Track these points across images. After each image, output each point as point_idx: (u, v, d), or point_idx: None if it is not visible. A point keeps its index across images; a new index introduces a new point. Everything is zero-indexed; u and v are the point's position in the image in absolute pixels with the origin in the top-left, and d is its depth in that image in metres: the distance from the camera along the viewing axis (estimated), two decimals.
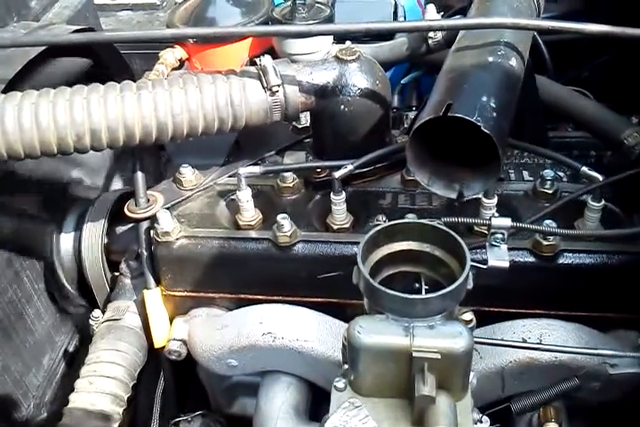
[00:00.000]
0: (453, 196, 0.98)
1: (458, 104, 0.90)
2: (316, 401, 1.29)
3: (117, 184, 1.76)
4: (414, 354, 0.75)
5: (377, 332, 0.77)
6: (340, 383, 0.84)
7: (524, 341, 1.13)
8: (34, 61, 1.34)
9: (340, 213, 1.22)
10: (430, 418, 0.75)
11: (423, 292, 0.85)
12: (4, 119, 1.07)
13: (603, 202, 1.14)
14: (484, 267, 0.91)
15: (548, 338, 1.12)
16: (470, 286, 0.81)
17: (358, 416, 0.80)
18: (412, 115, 1.47)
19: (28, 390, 1.53)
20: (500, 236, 0.94)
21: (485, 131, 0.87)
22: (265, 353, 1.19)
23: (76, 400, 1.22)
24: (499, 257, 0.93)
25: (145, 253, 1.28)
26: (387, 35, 1.51)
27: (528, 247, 1.13)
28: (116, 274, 1.47)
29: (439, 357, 0.75)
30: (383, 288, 0.77)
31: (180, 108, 1.12)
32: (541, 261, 1.14)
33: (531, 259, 1.14)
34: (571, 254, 1.14)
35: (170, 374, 1.39)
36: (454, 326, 0.78)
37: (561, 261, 1.14)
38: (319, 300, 1.24)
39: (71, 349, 1.67)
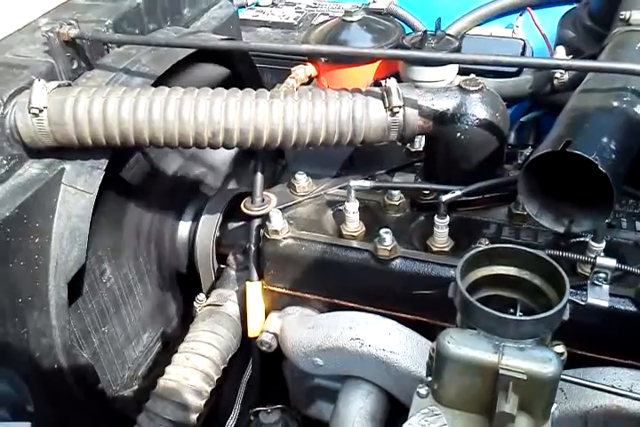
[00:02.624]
0: (561, 230, 0.98)
1: (577, 142, 0.91)
2: (393, 414, 1.30)
3: (232, 185, 1.85)
4: (501, 371, 0.77)
5: (467, 345, 0.79)
6: (423, 390, 0.86)
7: (614, 387, 1.10)
8: (182, 64, 1.46)
9: (441, 236, 1.24)
10: None
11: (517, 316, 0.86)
12: (152, 110, 1.17)
13: None
14: (583, 303, 0.91)
15: (638, 389, 1.07)
16: (566, 317, 0.81)
17: (436, 423, 0.83)
18: (527, 152, 1.47)
19: (126, 362, 1.62)
20: (602, 275, 0.94)
21: (602, 169, 0.88)
22: (350, 357, 1.22)
23: (172, 372, 1.30)
24: (599, 296, 0.93)
25: (253, 248, 1.35)
26: (511, 73, 1.53)
27: (631, 296, 1.10)
28: (222, 266, 1.56)
29: (525, 377, 0.76)
30: (479, 304, 0.79)
31: (306, 119, 1.19)
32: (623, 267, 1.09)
33: (632, 308, 1.10)
34: None
35: (258, 364, 1.45)
36: (545, 352, 0.79)
37: None
38: (409, 316, 1.26)
39: (169, 331, 1.76)
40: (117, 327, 1.58)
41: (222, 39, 1.61)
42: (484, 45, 1.74)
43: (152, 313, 1.72)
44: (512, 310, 0.89)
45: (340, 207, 1.33)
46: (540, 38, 1.93)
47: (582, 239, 1.13)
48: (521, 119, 1.71)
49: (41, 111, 1.17)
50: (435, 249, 1.24)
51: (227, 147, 1.23)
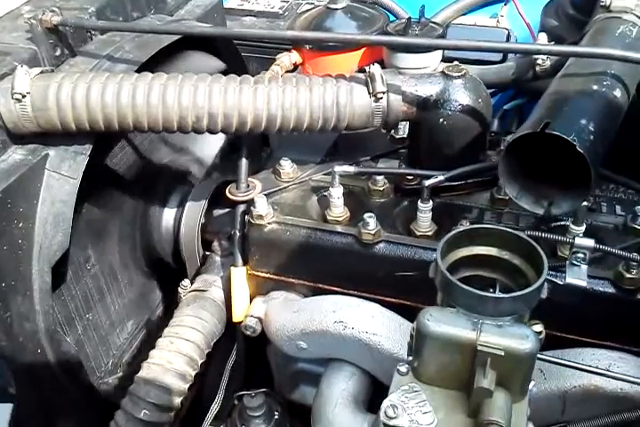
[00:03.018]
0: (540, 211, 1.00)
1: (556, 123, 0.92)
2: (376, 396, 1.31)
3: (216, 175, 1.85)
4: (479, 348, 0.78)
5: (446, 322, 0.81)
6: (403, 368, 0.88)
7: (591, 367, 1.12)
8: (169, 55, 1.45)
9: (424, 221, 1.25)
10: (485, 411, 0.78)
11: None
12: (136, 94, 1.18)
13: None
14: (561, 283, 0.93)
15: (616, 369, 1.09)
16: (544, 295, 0.83)
17: (416, 399, 0.84)
18: (509, 138, 1.48)
19: (110, 349, 1.63)
20: (581, 255, 0.95)
21: (580, 150, 0.89)
22: (334, 340, 1.24)
23: (155, 356, 1.31)
24: (577, 276, 0.95)
25: (238, 234, 1.35)
26: (495, 62, 1.54)
27: (610, 278, 1.11)
28: (207, 253, 1.56)
29: (502, 353, 0.78)
30: (459, 283, 0.80)
31: (290, 104, 1.20)
32: (622, 294, 1.12)
33: (611, 290, 1.12)
34: None
35: (242, 349, 1.46)
36: (522, 329, 0.80)
37: None
38: (392, 300, 1.28)
39: (154, 318, 1.77)
40: (102, 314, 1.58)
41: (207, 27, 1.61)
42: (468, 35, 1.75)
43: (136, 300, 1.72)
44: (491, 290, 0.90)
45: (325, 193, 1.34)
46: (524, 28, 1.94)
47: (563, 223, 1.15)
48: (504, 107, 1.73)
49: (24, 97, 1.17)
50: (418, 233, 1.26)
51: (211, 131, 1.23)
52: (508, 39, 1.81)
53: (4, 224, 1.17)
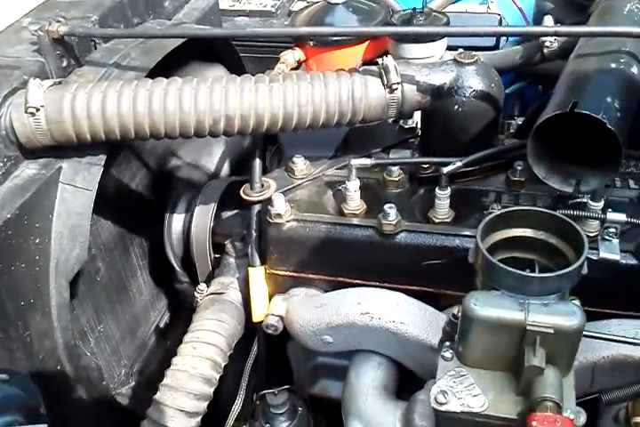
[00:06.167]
0: (570, 190, 1.03)
1: (583, 102, 0.95)
2: (403, 382, 1.33)
3: (226, 169, 1.86)
4: (528, 328, 0.80)
5: (493, 305, 0.83)
6: (448, 353, 0.90)
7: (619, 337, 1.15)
8: (169, 60, 1.46)
9: (442, 208, 1.28)
10: (538, 388, 0.80)
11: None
12: (152, 101, 1.18)
13: None
14: (596, 258, 0.96)
15: None
16: (585, 271, 0.85)
17: (464, 384, 0.86)
18: (514, 123, 1.52)
19: (122, 358, 1.63)
20: (613, 230, 0.98)
21: (610, 127, 0.92)
22: (360, 332, 1.25)
23: (179, 363, 1.31)
24: (610, 250, 0.98)
25: (254, 234, 1.36)
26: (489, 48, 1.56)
27: (631, 250, 1.14)
28: (218, 256, 1.57)
29: (552, 331, 0.80)
30: (502, 265, 0.82)
31: (306, 101, 1.21)
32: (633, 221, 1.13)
33: (633, 262, 1.15)
34: None
35: (263, 348, 1.47)
36: (568, 306, 0.83)
37: None
38: (415, 288, 1.30)
39: (162, 325, 1.78)
40: (112, 325, 1.58)
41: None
42: (460, 22, 1.78)
43: (145, 308, 1.73)
44: (529, 270, 0.93)
45: (340, 187, 1.36)
46: (514, 13, 1.97)
47: (580, 200, 1.17)
48: (505, 91, 1.76)
49: (38, 110, 1.17)
50: (437, 221, 1.28)
51: (227, 134, 1.25)
52: (500, 24, 1.84)
53: (22, 241, 1.17)
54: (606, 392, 1.10)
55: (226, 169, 1.85)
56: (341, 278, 1.34)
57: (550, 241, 0.91)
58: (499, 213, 0.90)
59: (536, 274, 0.82)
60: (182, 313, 1.52)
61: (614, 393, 1.09)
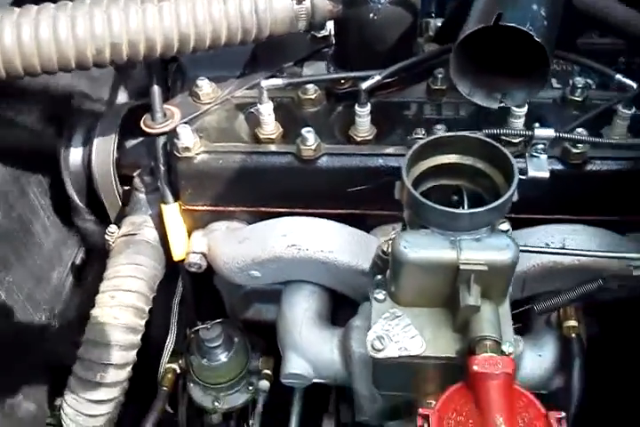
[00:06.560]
0: (495, 106, 0.98)
1: (508, 13, 0.88)
2: (337, 308, 1.34)
3: (123, 96, 1.71)
4: (461, 267, 0.78)
5: (423, 246, 0.79)
6: (380, 295, 0.87)
7: (547, 245, 1.16)
8: None
9: (363, 126, 1.21)
10: (475, 326, 0.79)
11: (465, 204, 0.86)
12: (21, 33, 1.03)
13: (634, 110, 1.14)
14: (524, 177, 0.92)
15: (570, 242, 1.15)
16: (516, 198, 0.82)
17: (400, 325, 0.85)
18: (432, 23, 1.43)
19: (39, 304, 1.56)
20: (541, 146, 0.95)
21: (537, 40, 0.86)
22: (289, 264, 1.22)
23: (99, 315, 1.25)
24: (539, 168, 0.95)
25: (162, 169, 1.27)
26: None
27: (557, 155, 1.14)
28: (127, 188, 1.47)
29: (486, 268, 0.78)
30: (431, 203, 0.78)
31: (203, 19, 1.09)
32: (569, 169, 1.16)
33: (559, 166, 1.15)
34: (599, 162, 1.16)
35: (189, 284, 1.43)
36: (501, 239, 0.81)
37: (589, 168, 1.16)
38: (341, 211, 1.26)
39: (78, 262, 1.69)
40: (22, 272, 1.49)
41: None
42: None
43: (56, 249, 1.63)
44: (456, 197, 0.89)
45: (252, 110, 1.27)
46: None
47: (503, 104, 1.13)
48: None
49: None
50: (358, 139, 1.22)
51: (116, 64, 1.12)
52: None
53: None
54: (538, 303, 1.12)
55: (124, 95, 1.70)
56: (264, 209, 1.28)
57: (477, 166, 0.87)
58: (423, 142, 0.85)
59: (465, 210, 0.78)
60: (97, 252, 1.44)
61: (546, 303, 1.11)
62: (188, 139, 1.19)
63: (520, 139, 1.12)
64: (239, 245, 1.24)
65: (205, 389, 1.52)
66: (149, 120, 1.25)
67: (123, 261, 1.31)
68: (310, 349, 1.22)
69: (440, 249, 0.79)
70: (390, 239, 0.93)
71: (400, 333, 0.83)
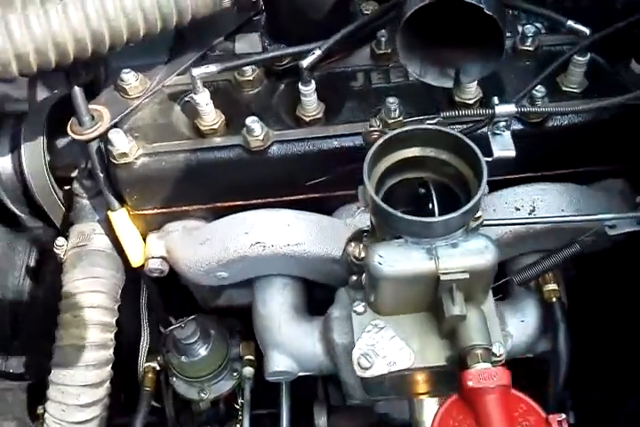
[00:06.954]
0: (449, 85, 0.92)
1: None
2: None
3: (44, 91, 1.58)
4: (442, 278, 0.74)
5: (399, 260, 0.75)
6: (360, 307, 0.84)
7: (517, 209, 1.14)
8: None
9: (310, 104, 1.14)
10: (463, 335, 0.77)
11: (433, 197, 0.82)
12: None
13: (589, 56, 1.09)
14: (490, 159, 0.88)
15: (540, 204, 1.13)
16: (486, 192, 0.78)
17: (385, 338, 0.82)
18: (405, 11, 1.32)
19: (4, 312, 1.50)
20: (503, 123, 0.90)
21: (489, 13, 0.79)
22: (256, 262, 1.18)
23: (64, 337, 1.20)
24: (504, 146, 0.90)
25: (101, 175, 1.18)
26: None
27: (516, 115, 1.09)
28: (68, 188, 1.38)
29: (467, 276, 0.74)
30: (401, 214, 0.73)
31: (115, 13, 0.98)
32: (530, 128, 1.12)
33: (519, 126, 1.10)
34: (559, 117, 1.12)
35: (154, 288, 1.38)
36: (478, 241, 0.77)
37: (549, 124, 1.12)
38: (301, 197, 1.21)
39: (32, 264, 1.61)
40: None
41: None
42: None
43: (6, 256, 1.55)
44: (423, 190, 0.85)
45: (187, 99, 1.18)
46: None
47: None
48: None
49: None
50: (307, 119, 1.16)
51: (26, 75, 1.01)
52: None
53: None
54: (516, 274, 1.11)
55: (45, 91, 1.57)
56: (219, 204, 1.22)
57: (442, 157, 0.82)
58: (380, 141, 0.79)
59: (438, 218, 0.73)
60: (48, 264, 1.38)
61: (524, 275, 1.10)
62: (122, 144, 1.10)
63: (475, 99, 1.07)
64: (200, 247, 1.18)
65: (189, 382, 1.50)
66: (76, 125, 1.15)
67: (79, 276, 1.24)
68: (292, 345, 1.20)
69: (417, 261, 0.75)
70: (359, 243, 0.89)
71: (386, 346, 0.80)
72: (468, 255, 0.75)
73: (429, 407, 0.97)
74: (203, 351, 1.45)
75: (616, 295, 1.32)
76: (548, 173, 1.18)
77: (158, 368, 1.49)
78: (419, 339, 0.81)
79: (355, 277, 0.89)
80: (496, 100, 0.89)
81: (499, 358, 0.77)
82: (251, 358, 1.49)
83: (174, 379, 1.50)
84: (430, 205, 0.81)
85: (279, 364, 1.20)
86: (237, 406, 1.54)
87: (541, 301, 1.17)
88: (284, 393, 1.37)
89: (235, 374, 1.52)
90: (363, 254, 0.84)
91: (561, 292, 1.16)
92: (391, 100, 1.08)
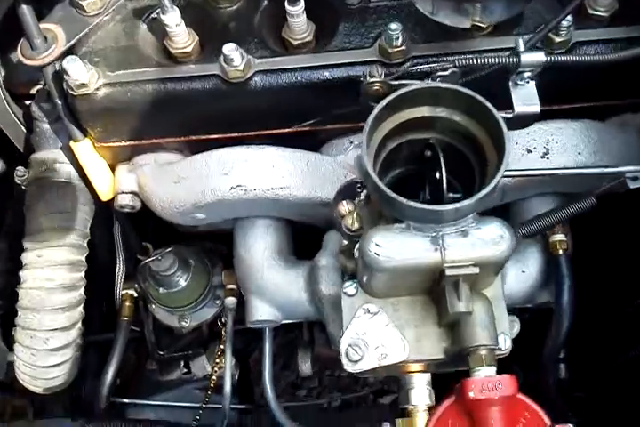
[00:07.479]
0: (467, 25, 0.76)
1: None
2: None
3: None
4: (447, 272, 0.64)
5: (399, 250, 0.65)
6: (351, 289, 0.75)
7: (529, 151, 1.03)
8: None
9: (299, 26, 0.99)
10: (467, 332, 0.69)
11: (442, 162, 0.70)
12: None
13: None
14: (510, 116, 0.75)
15: (555, 146, 1.03)
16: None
17: (378, 325, 0.73)
18: None
19: None
20: (528, 74, 0.76)
21: None
22: (236, 205, 1.08)
23: (29, 278, 1.12)
24: (527, 100, 0.77)
25: (59, 103, 1.04)
26: None
27: (540, 47, 0.94)
28: (27, 102, 1.23)
29: (477, 271, 0.64)
30: (406, 201, 0.62)
31: None
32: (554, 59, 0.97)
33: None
34: (585, 47, 0.99)
35: (126, 224, 1.28)
36: (492, 228, 0.66)
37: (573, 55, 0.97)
38: (285, 131, 1.08)
39: None
40: None
41: None
42: None
43: None
44: (429, 153, 0.73)
45: (154, 15, 1.01)
46: None
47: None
48: None
49: None
50: (295, 43, 1.02)
51: None
52: None
53: None
54: (521, 227, 1.01)
55: None
56: (194, 137, 1.09)
57: (454, 118, 0.69)
58: (384, 102, 0.66)
59: (450, 206, 0.62)
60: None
61: (529, 227, 1.00)
62: (80, 73, 0.95)
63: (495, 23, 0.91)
64: (175, 186, 1.07)
65: (169, 311, 1.45)
66: (28, 49, 0.98)
67: (43, 211, 1.14)
68: (276, 292, 1.12)
69: (420, 252, 0.64)
70: (352, 206, 0.78)
71: (378, 335, 0.72)
72: (479, 246, 0.65)
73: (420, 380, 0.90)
74: (182, 282, 1.38)
75: (616, 242, 1.24)
76: (568, 106, 1.05)
77: (136, 295, 1.43)
78: (415, 328, 0.72)
79: (346, 243, 0.79)
80: (521, 44, 0.74)
81: (503, 352, 0.69)
82: (233, 287, 1.43)
83: (153, 306, 1.44)
84: (437, 174, 0.70)
85: (262, 313, 1.13)
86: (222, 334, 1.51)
87: (546, 250, 1.09)
88: (266, 338, 1.30)
89: (217, 301, 1.46)
90: (356, 225, 0.73)
91: (568, 242, 1.07)
92: (393, 26, 0.92)
